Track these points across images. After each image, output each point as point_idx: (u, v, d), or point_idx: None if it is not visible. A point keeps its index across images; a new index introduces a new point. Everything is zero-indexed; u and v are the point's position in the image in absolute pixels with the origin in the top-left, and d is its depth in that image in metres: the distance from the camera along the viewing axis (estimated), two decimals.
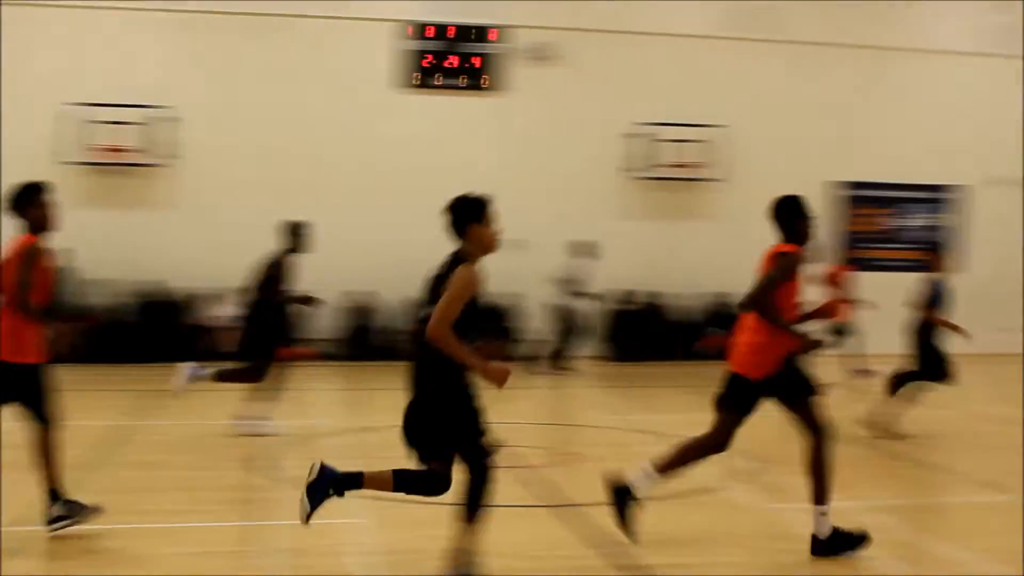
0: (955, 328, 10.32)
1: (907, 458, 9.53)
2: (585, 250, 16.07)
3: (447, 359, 5.14)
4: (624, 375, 16.33)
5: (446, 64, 17.90)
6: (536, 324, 17.38)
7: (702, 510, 6.93)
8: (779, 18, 19.25)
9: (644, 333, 17.97)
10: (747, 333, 6.15)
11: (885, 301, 14.56)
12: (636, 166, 18.39)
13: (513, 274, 17.48)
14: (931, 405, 11.10)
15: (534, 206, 17.86)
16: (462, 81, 18.04)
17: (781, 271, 6.06)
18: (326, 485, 5.24)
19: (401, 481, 5.33)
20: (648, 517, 6.18)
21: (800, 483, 6.20)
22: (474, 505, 5.30)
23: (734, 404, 6.15)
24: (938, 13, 20.22)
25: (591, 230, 17.82)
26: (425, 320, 5.21)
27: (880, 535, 6.34)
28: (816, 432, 6.09)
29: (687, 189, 17.58)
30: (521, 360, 16.48)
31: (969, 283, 19.88)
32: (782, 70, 19.32)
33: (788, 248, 6.19)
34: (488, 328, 11.68)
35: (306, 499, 5.23)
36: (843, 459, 7.26)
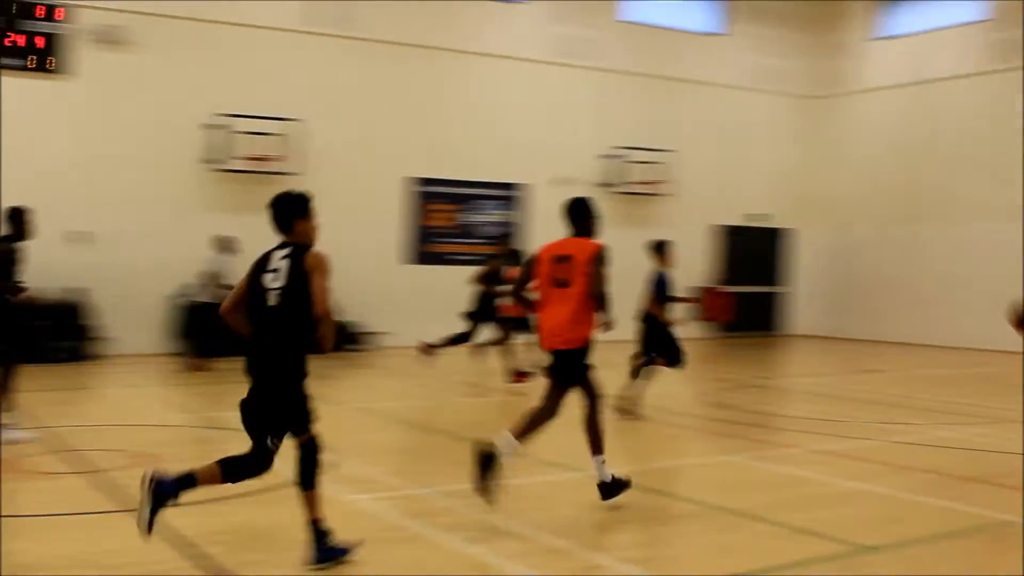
0: (673, 320, 11.79)
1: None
2: (225, 245, 15.59)
3: (290, 345, 5.73)
4: (200, 370, 15.94)
5: (7, 43, 16.49)
6: (109, 320, 16.62)
7: (285, 505, 6.94)
8: (358, 16, 19.61)
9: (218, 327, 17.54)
10: (564, 317, 7.40)
11: (459, 292, 15.23)
12: (214, 158, 17.99)
13: (84, 268, 16.61)
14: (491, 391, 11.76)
15: (107, 197, 17.03)
16: (30, 62, 16.66)
17: (604, 263, 7.44)
18: (163, 493, 5.47)
19: (228, 469, 5.73)
20: (227, 515, 6.07)
21: (375, 472, 6.37)
22: (313, 474, 5.79)
23: (561, 377, 7.50)
24: (510, 22, 21.57)
25: (169, 222, 17.24)
26: (272, 309, 5.73)
27: (452, 518, 6.68)
28: (592, 398, 7.52)
29: (263, 182, 17.42)
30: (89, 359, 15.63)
31: None
32: (360, 67, 19.69)
33: (593, 242, 7.56)
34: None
35: (145, 510, 5.43)
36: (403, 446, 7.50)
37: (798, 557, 6.31)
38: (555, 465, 8.77)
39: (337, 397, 12.80)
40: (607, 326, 7.47)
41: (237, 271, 15.93)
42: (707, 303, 22.51)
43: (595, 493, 7.38)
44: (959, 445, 10.55)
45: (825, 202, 25.48)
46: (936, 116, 23.73)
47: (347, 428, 10.13)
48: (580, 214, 7.70)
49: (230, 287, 6.02)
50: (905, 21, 24.77)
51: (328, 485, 6.17)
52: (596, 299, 7.33)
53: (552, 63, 22.02)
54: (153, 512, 5.43)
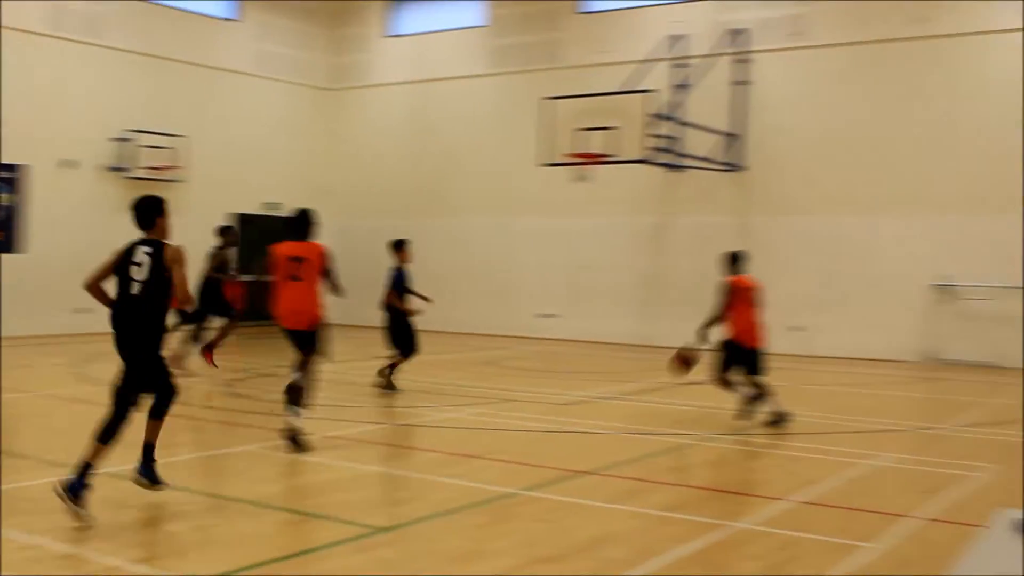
0: (411, 310, 13.61)
1: None
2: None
3: (155, 321, 7.04)
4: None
5: None
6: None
7: None
8: None
9: None
10: (300, 304, 9.57)
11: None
12: None
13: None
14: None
15: None
16: None
17: (332, 260, 9.76)
18: (76, 489, 6.61)
19: (104, 435, 6.87)
20: None
21: None
22: (164, 410, 7.28)
23: (305, 347, 9.67)
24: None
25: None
26: (135, 297, 6.94)
27: None
28: (308, 359, 9.64)
29: None
30: None
31: (36, 262, 19.87)
32: None
33: (320, 245, 9.74)
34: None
35: (73, 507, 6.57)
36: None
37: (313, 543, 6.44)
38: (59, 466, 8.25)
39: None
40: (340, 290, 9.90)
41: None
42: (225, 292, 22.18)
43: (108, 491, 7.05)
44: (460, 425, 11.29)
45: (339, 192, 26.06)
46: (441, 114, 25.15)
47: None
48: (304, 223, 10.03)
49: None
50: (415, 21, 25.97)
51: None
52: (333, 288, 9.81)
53: (54, 37, 20.61)
54: (79, 505, 6.58)
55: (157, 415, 7.30)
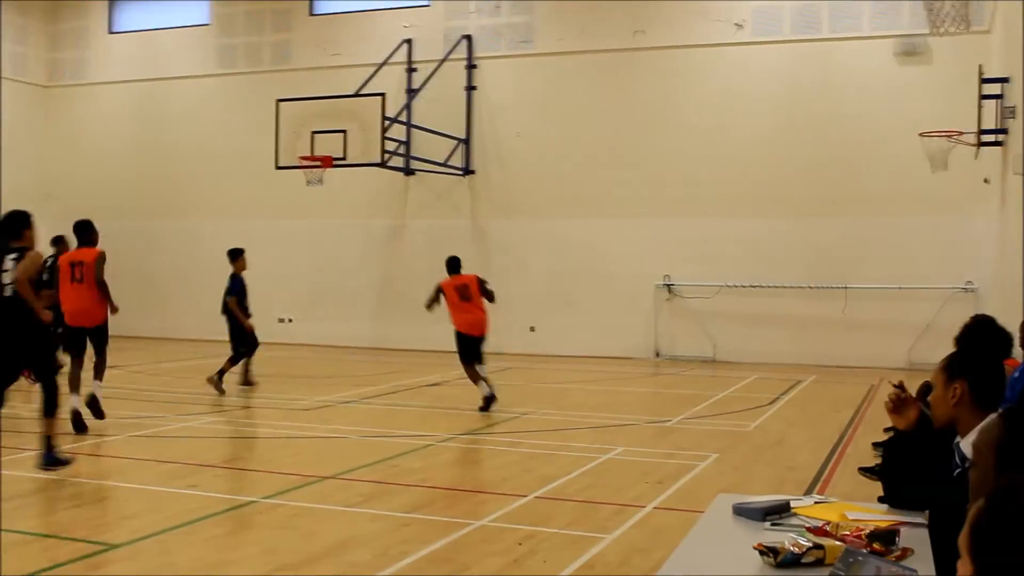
0: (244, 317, 14.38)
1: None
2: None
3: (23, 320, 8.35)
4: None
5: None
6: None
7: None
8: None
9: None
10: (84, 303, 10.89)
11: None
12: None
13: None
14: None
15: None
16: None
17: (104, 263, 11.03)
18: (51, 462, 8.52)
19: (47, 410, 8.64)
20: None
21: None
22: (52, 407, 8.66)
23: (98, 343, 11.16)
24: None
25: None
26: (7, 298, 8.28)
27: None
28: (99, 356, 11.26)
29: None
30: None
31: None
32: None
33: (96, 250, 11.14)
34: None
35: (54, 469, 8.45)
36: None
37: (41, 564, 6.10)
38: None
39: None
40: (114, 309, 11.11)
41: None
42: None
43: None
44: (196, 434, 10.95)
45: (61, 194, 24.71)
46: (169, 114, 24.32)
47: None
48: (86, 230, 11.23)
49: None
50: (138, 17, 24.98)
51: None
52: (100, 289, 10.93)
53: None
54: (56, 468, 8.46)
55: (48, 410, 8.61)
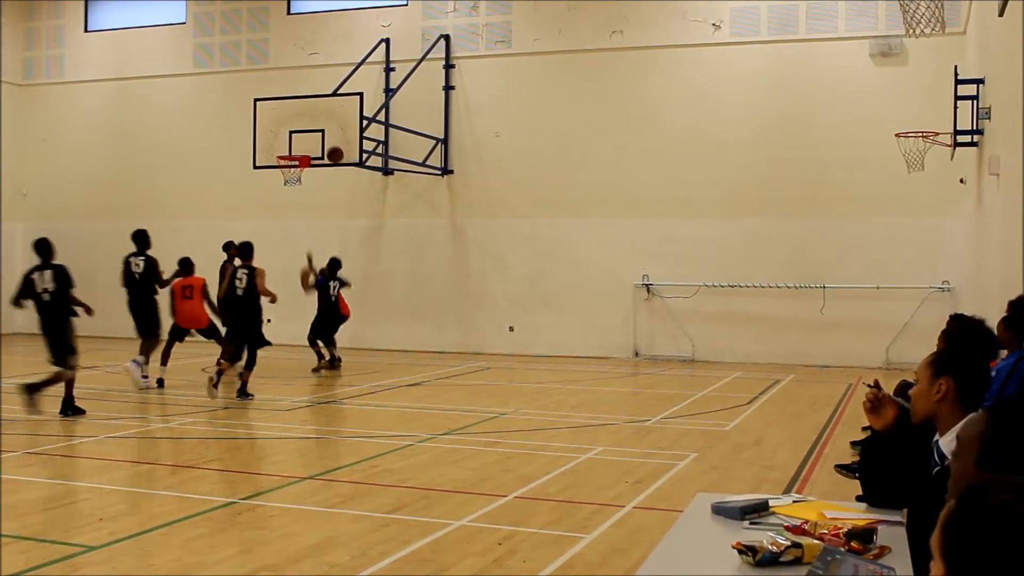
0: (86, 309, 12.63)
1: None
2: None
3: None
4: None
5: None
6: None
7: None
8: None
9: None
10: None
11: None
12: None
13: None
14: None
15: None
16: None
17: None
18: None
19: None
20: None
21: None
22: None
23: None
24: None
25: None
26: None
27: None
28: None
29: None
30: None
31: None
32: None
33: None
34: None
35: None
36: None
37: (18, 567, 6.06)
38: None
39: None
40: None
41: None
42: None
43: None
44: (174, 435, 10.88)
45: (35, 194, 24.56)
46: (146, 113, 24.19)
47: None
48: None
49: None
50: (113, 16, 24.84)
51: None
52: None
53: None
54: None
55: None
